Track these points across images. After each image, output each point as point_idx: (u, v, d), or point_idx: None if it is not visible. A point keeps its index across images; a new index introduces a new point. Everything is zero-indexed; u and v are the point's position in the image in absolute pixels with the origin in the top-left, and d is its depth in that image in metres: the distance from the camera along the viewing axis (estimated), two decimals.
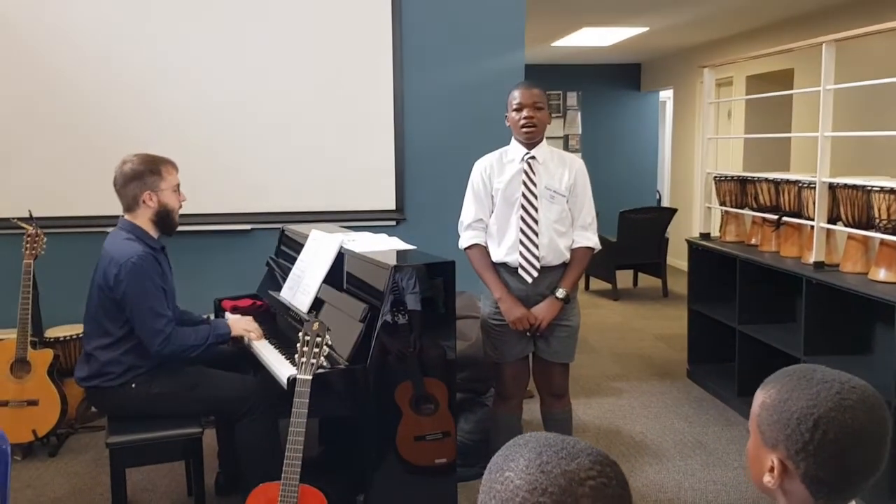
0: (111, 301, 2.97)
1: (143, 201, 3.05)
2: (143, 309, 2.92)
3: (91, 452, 4.01)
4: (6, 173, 4.50)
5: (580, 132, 10.12)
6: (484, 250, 3.17)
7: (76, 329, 4.33)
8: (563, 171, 3.12)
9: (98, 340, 3.01)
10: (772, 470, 1.23)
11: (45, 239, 3.97)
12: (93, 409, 4.33)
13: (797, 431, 1.18)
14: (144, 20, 4.53)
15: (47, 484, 3.67)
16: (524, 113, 3.06)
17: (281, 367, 2.87)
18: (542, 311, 3.07)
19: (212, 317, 3.53)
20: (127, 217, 3.09)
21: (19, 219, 4.17)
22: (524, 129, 3.07)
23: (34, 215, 4.12)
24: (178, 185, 3.14)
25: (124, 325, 2.98)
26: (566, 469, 0.87)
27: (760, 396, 1.27)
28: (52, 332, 4.32)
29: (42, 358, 3.91)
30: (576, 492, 0.85)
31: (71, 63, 4.50)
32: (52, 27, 4.47)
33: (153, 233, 3.10)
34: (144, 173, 3.03)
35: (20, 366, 3.86)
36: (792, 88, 6.73)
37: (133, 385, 3.00)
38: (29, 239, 3.90)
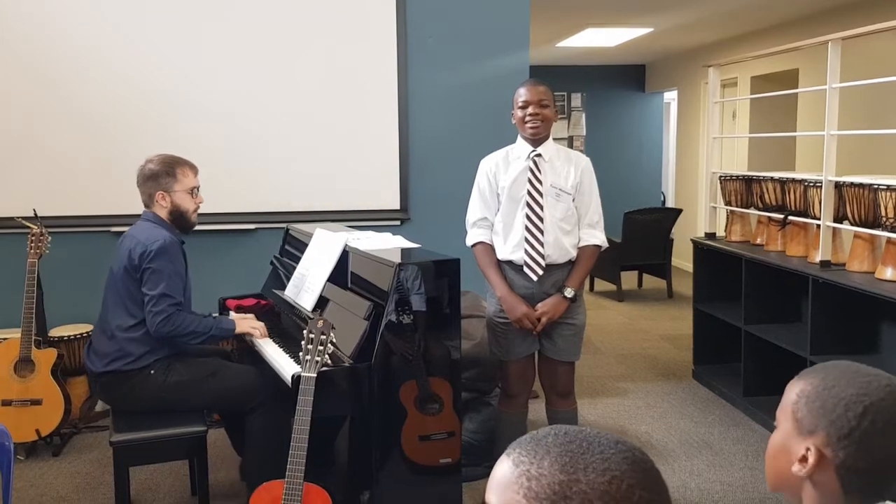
0: (134, 282, 3.04)
1: (157, 201, 3.17)
2: (155, 286, 2.99)
3: (94, 452, 4.01)
4: (11, 172, 4.50)
5: (584, 133, 10.11)
6: (489, 248, 3.16)
7: (80, 328, 4.33)
8: (569, 169, 3.11)
9: (121, 320, 3.06)
10: (803, 460, 1.21)
11: (50, 238, 3.97)
12: (97, 408, 4.32)
13: (843, 418, 1.17)
14: (150, 20, 4.52)
15: (50, 483, 3.66)
16: (529, 110, 3.05)
17: (285, 365, 2.86)
18: (547, 306, 3.06)
19: (215, 315, 3.54)
20: (149, 210, 3.21)
21: (24, 218, 4.17)
22: (529, 127, 3.06)
23: (39, 214, 4.12)
24: (196, 188, 3.23)
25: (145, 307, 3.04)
26: (651, 462, 0.89)
27: (798, 385, 1.26)
28: (55, 332, 4.32)
29: (46, 357, 3.91)
30: (662, 479, 0.89)
31: (76, 62, 4.50)
32: (59, 28, 4.47)
33: (174, 227, 3.21)
34: (160, 174, 3.16)
35: (24, 365, 3.85)
36: (796, 89, 6.71)
37: (151, 371, 3.04)
38: (33, 238, 3.90)
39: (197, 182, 3.24)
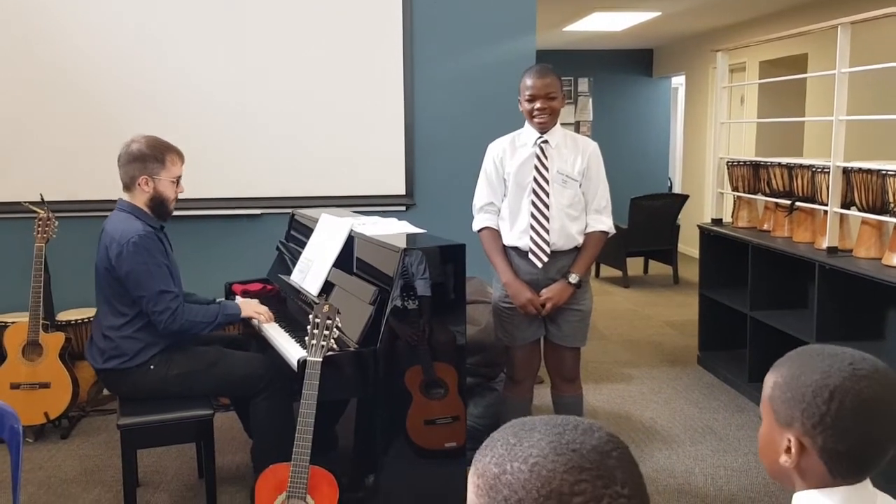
0: (116, 281, 2.98)
1: (139, 185, 3.04)
2: (147, 286, 2.93)
3: (102, 435, 4.04)
4: (18, 157, 4.51)
5: (591, 118, 10.07)
6: (495, 233, 3.16)
7: (88, 312, 4.35)
8: (576, 155, 3.10)
9: (111, 320, 3.02)
10: (788, 450, 1.22)
11: (57, 223, 3.99)
12: (105, 391, 4.35)
13: (813, 405, 1.18)
14: (156, 5, 4.51)
15: (59, 466, 3.69)
16: (537, 105, 3.03)
17: (291, 349, 2.87)
18: (552, 292, 3.06)
19: (221, 299, 3.54)
20: (125, 197, 3.09)
21: (31, 202, 4.19)
22: (537, 121, 3.05)
23: (46, 199, 4.13)
24: (179, 177, 3.12)
25: (134, 304, 3.00)
26: (593, 444, 0.86)
27: (772, 378, 1.27)
28: (63, 316, 4.34)
29: (54, 341, 3.93)
30: (608, 464, 0.85)
31: (82, 47, 4.50)
32: (64, 15, 4.46)
33: (151, 214, 3.10)
34: (148, 158, 3.03)
35: (32, 349, 3.88)
36: (805, 74, 6.67)
37: (151, 366, 3.02)
38: (40, 223, 3.92)
39: (182, 171, 3.12)
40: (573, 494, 0.82)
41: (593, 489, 0.82)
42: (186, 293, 3.29)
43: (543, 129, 3.07)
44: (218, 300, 3.46)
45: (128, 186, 3.07)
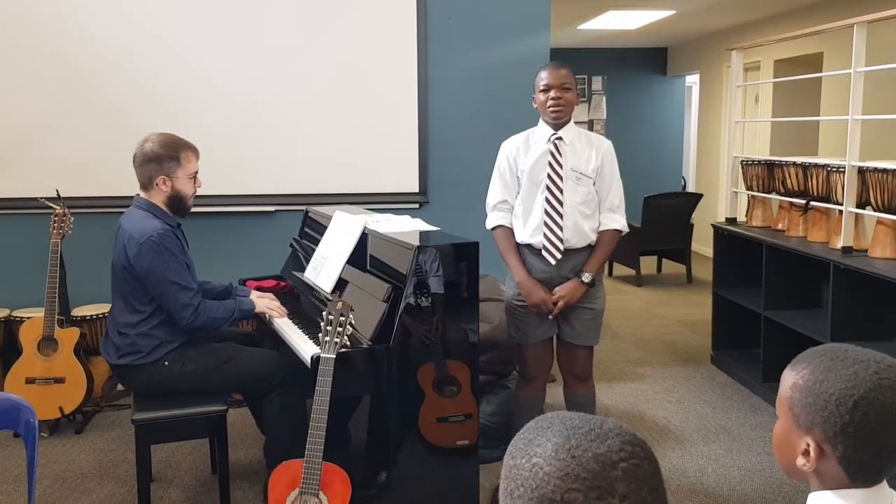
0: (134, 278, 2.99)
1: (157, 185, 3.04)
2: (168, 284, 2.95)
3: (116, 430, 4.06)
4: (34, 153, 4.55)
5: (605, 117, 10.05)
6: (508, 232, 3.16)
7: (103, 308, 4.37)
8: (590, 152, 3.10)
9: (127, 317, 3.04)
10: (806, 453, 1.20)
11: (73, 219, 4.01)
12: (119, 387, 4.38)
13: (835, 413, 1.16)
14: (170, 4, 4.53)
15: (73, 460, 3.72)
16: (551, 94, 3.03)
17: (305, 346, 2.88)
18: (565, 290, 3.05)
19: (234, 283, 3.57)
20: (143, 195, 3.10)
21: (47, 198, 4.22)
22: (551, 111, 3.04)
23: (61, 195, 4.16)
24: (196, 173, 3.12)
25: (151, 302, 3.01)
26: (597, 452, 0.83)
27: (791, 377, 1.24)
28: (78, 311, 4.37)
29: (69, 336, 3.96)
30: (609, 475, 0.82)
31: (97, 46, 4.52)
32: (81, 13, 4.49)
33: (169, 211, 3.11)
34: (163, 157, 3.02)
35: (47, 344, 3.91)
36: (820, 73, 6.63)
37: (166, 363, 3.03)
38: (56, 219, 3.95)
39: (197, 167, 3.12)
40: (563, 502, 0.81)
41: (584, 499, 0.80)
42: (201, 280, 3.31)
43: (557, 120, 3.06)
44: (231, 283, 3.48)
45: (145, 186, 3.08)
